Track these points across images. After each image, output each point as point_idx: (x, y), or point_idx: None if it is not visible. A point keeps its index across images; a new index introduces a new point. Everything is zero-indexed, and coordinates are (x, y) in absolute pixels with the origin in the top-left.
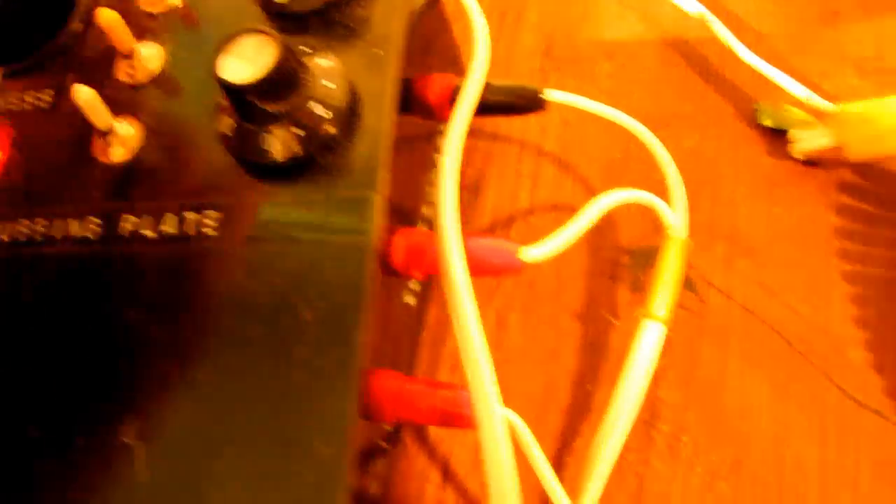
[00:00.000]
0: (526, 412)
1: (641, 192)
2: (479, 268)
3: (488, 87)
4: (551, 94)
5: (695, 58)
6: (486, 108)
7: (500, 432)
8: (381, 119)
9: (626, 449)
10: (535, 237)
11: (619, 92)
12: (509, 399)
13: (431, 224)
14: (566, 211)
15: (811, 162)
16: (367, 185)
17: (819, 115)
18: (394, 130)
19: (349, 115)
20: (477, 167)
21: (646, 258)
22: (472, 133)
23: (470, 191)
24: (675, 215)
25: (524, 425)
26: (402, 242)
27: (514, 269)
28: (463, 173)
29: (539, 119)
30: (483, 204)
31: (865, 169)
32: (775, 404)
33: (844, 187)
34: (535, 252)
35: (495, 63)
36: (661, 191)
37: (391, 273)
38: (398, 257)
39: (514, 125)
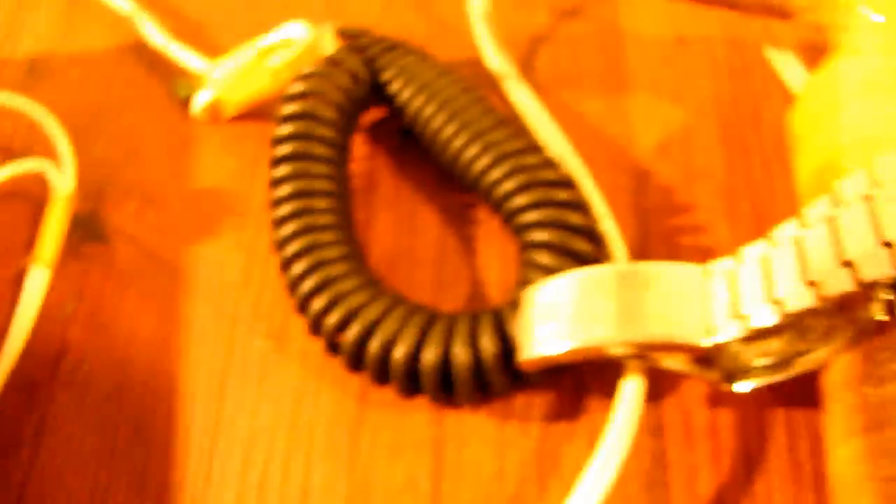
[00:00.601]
0: None
1: (32, 160)
2: None
3: None
4: None
5: (133, 55)
6: None
7: None
8: None
9: None
10: None
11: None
12: None
13: None
14: None
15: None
16: None
17: (206, 78)
18: None
19: None
20: None
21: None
22: None
23: None
24: (60, 176)
25: None
26: None
27: None
28: None
29: None
30: None
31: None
32: (161, 331)
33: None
34: None
35: None
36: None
37: None
38: None
39: None
